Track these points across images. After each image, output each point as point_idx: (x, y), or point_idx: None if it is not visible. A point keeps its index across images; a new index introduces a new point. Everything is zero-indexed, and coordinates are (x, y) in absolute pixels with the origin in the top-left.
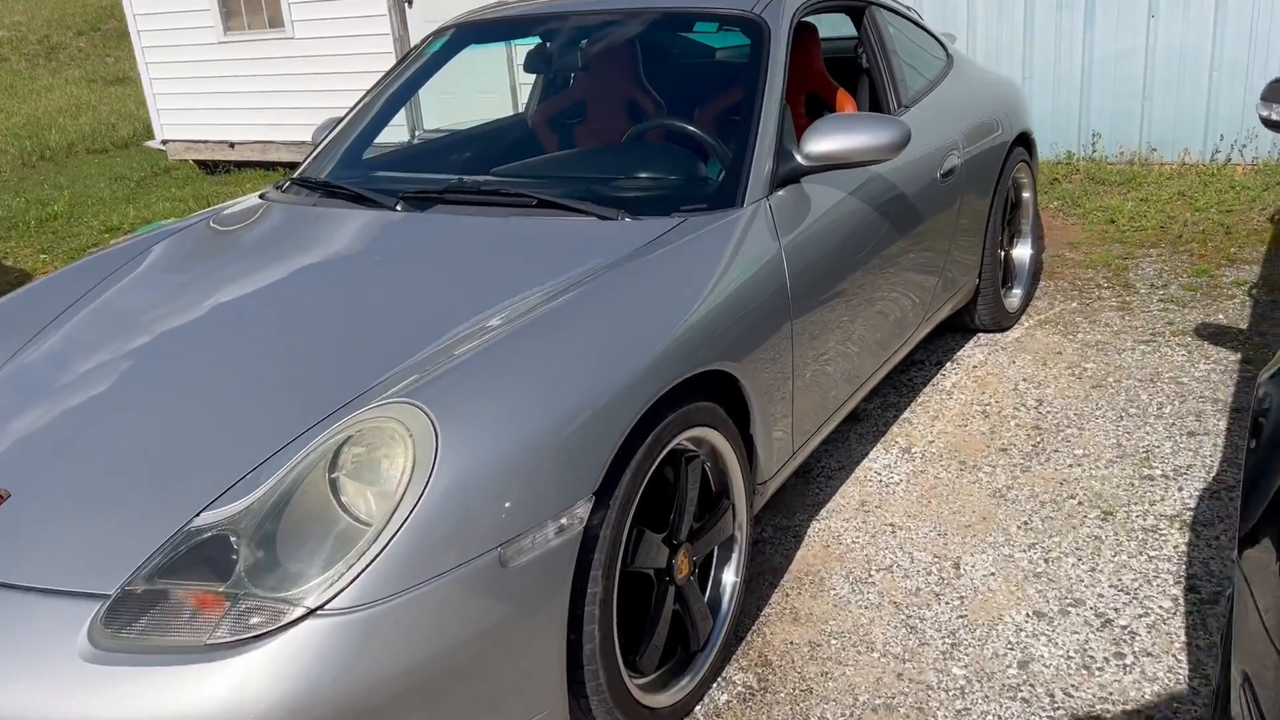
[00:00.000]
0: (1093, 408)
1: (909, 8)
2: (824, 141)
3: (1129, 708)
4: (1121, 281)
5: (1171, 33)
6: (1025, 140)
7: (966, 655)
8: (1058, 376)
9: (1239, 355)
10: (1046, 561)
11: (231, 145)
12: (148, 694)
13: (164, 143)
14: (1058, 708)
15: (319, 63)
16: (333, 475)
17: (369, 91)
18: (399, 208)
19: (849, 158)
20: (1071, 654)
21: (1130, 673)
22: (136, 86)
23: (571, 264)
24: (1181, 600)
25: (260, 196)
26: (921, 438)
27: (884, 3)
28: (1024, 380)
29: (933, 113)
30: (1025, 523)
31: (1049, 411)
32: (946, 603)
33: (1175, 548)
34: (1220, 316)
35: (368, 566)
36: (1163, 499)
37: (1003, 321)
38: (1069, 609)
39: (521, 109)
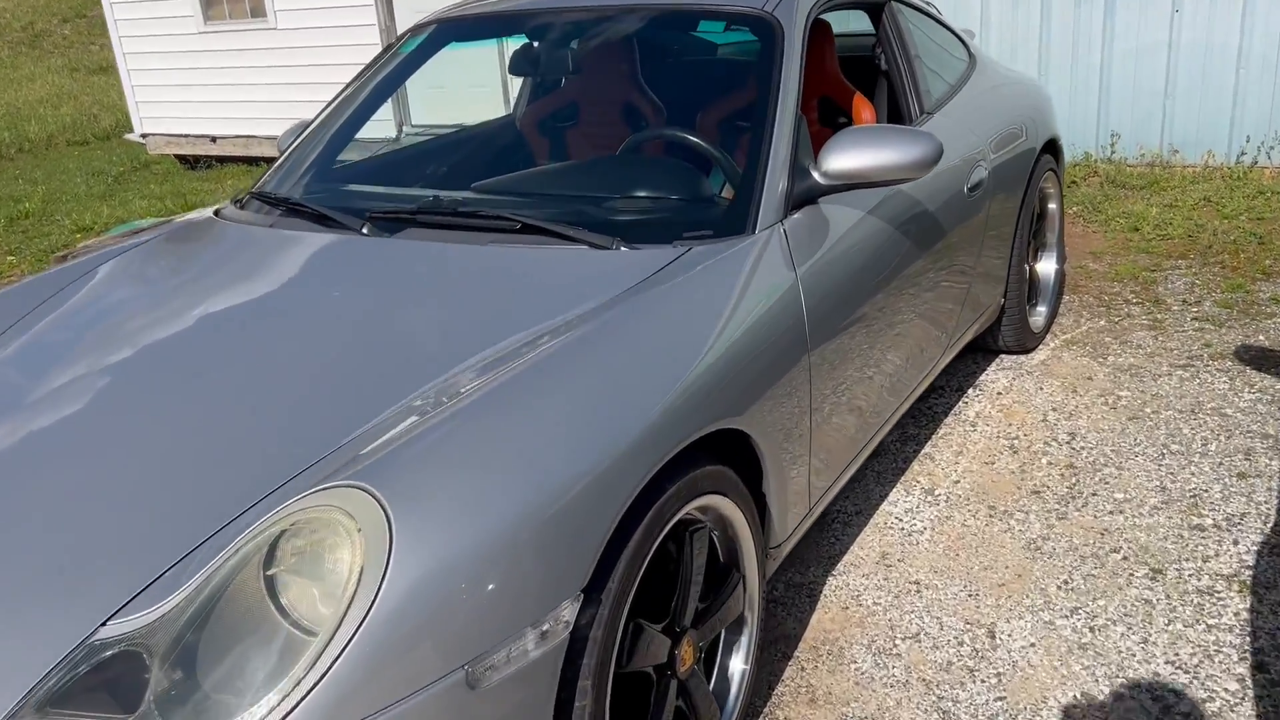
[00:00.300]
0: (1131, 443)
1: (928, 2)
2: (846, 158)
3: None
4: (1151, 297)
5: (1196, 28)
6: (1053, 147)
7: None
8: (1090, 406)
9: None
10: (1092, 630)
11: (213, 139)
12: None
13: (144, 136)
14: None
15: (303, 54)
16: (269, 572)
17: (338, 95)
18: (365, 230)
19: (874, 176)
20: None
21: None
22: (119, 76)
23: (558, 305)
24: (1249, 681)
25: (215, 213)
26: (945, 477)
27: None
28: (1053, 410)
29: (958, 120)
30: (1065, 581)
31: (1083, 447)
32: (982, 680)
33: (1236, 614)
34: (1261, 338)
35: (309, 692)
36: (1216, 554)
37: (1027, 342)
38: (1122, 693)
39: (513, 106)
